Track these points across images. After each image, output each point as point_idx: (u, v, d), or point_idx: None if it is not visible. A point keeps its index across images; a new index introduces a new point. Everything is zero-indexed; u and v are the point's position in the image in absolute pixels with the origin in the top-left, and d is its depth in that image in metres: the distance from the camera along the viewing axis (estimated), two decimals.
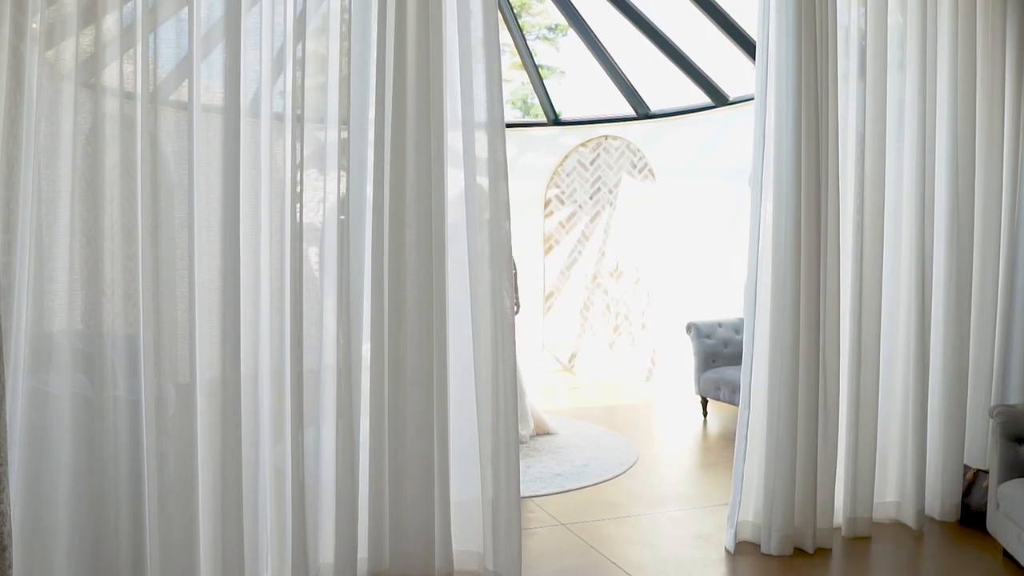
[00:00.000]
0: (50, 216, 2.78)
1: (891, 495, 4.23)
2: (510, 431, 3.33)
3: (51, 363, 2.79)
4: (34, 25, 2.71)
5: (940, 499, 4.25)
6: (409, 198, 3.26)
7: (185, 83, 2.90)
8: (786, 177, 3.76)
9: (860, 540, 3.99)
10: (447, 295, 3.32)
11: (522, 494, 4.63)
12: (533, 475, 5.06)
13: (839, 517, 4.03)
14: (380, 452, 3.28)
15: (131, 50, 2.83)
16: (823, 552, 3.85)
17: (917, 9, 4.06)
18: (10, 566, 2.44)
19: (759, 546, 3.85)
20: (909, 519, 4.11)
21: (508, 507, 3.34)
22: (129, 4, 2.84)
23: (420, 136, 3.24)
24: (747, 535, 3.92)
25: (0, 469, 2.41)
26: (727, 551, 3.87)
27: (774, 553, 3.78)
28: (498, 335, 3.31)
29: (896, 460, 4.20)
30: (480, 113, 3.27)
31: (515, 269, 5.77)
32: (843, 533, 4.00)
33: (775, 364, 3.80)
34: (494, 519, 3.35)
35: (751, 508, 3.90)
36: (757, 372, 3.85)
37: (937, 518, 4.26)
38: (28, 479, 2.76)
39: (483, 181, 3.32)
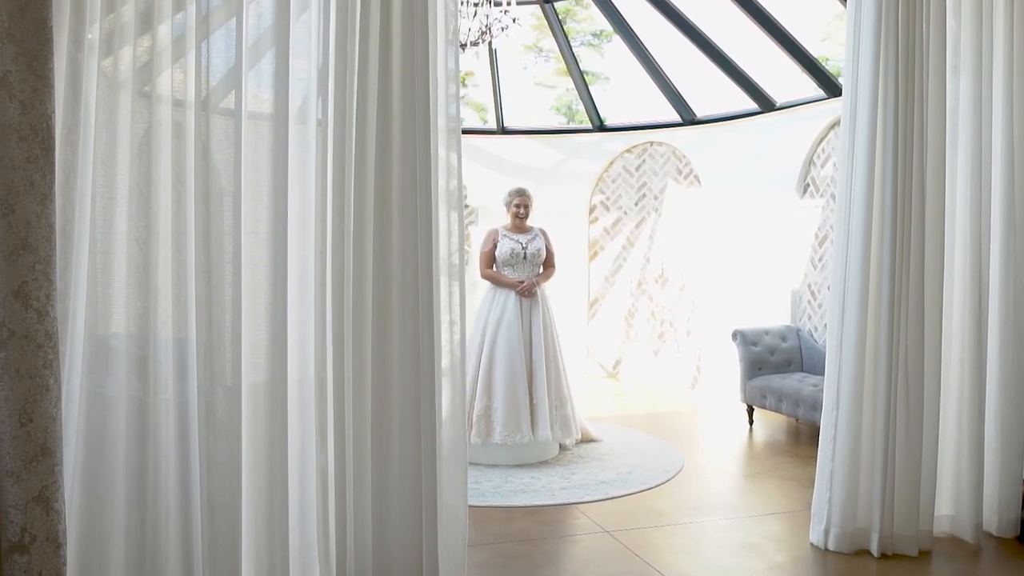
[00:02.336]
0: (106, 222, 2.85)
1: (946, 508, 4.12)
2: (455, 432, 3.30)
3: (106, 366, 2.86)
4: (90, 35, 2.78)
5: (997, 513, 4.13)
6: (395, 200, 3.21)
7: (238, 89, 2.94)
8: (865, 184, 3.81)
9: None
10: (435, 296, 3.25)
11: (567, 500, 4.68)
12: (577, 482, 5.04)
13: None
14: (363, 463, 3.22)
15: (182, 59, 2.89)
16: (894, 558, 3.84)
17: (971, 13, 3.97)
18: (64, 563, 2.50)
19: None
20: (966, 533, 4.01)
21: (452, 513, 3.30)
22: (180, 14, 2.90)
23: (405, 140, 3.20)
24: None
25: (56, 469, 2.47)
26: (812, 545, 3.97)
27: (831, 549, 3.89)
28: (445, 343, 3.28)
29: (951, 472, 4.10)
30: (440, 119, 3.26)
31: (545, 237, 5.84)
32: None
33: (848, 367, 3.86)
34: (439, 527, 3.26)
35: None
36: (843, 374, 3.89)
37: (994, 533, 4.13)
38: (86, 478, 2.82)
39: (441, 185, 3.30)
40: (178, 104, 2.90)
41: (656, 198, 8.84)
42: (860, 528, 3.90)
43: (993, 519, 4.14)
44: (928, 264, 3.87)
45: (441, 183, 3.28)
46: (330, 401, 3.13)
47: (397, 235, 3.21)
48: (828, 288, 6.85)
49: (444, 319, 3.30)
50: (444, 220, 3.29)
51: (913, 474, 3.84)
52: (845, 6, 3.91)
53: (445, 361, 3.31)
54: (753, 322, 7.21)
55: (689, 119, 8.42)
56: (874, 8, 3.77)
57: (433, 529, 3.24)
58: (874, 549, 3.84)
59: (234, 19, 2.91)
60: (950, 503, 4.11)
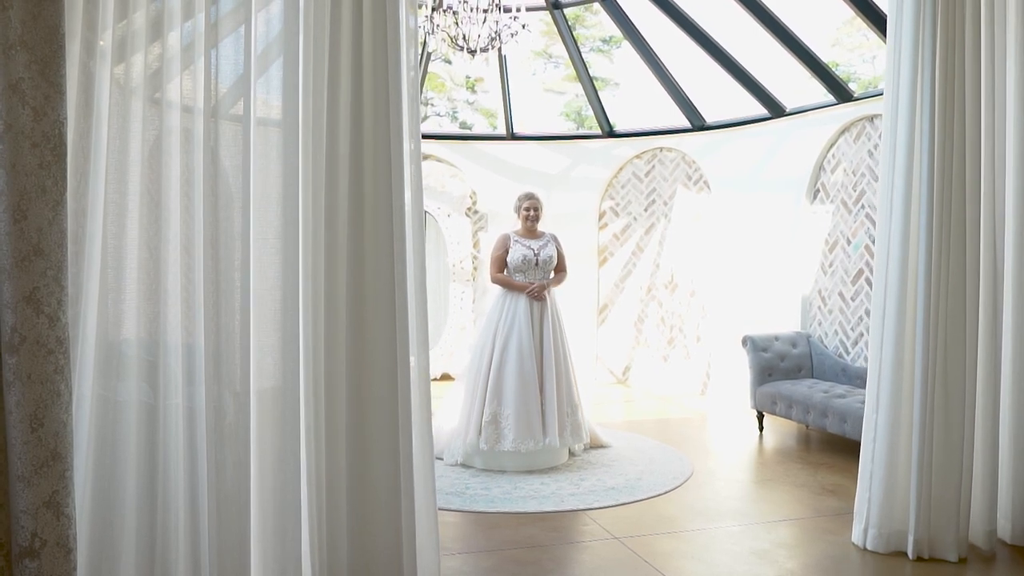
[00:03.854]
0: (117, 227, 2.86)
1: None
2: (422, 436, 3.29)
3: (117, 371, 2.87)
4: (101, 42, 2.79)
5: (1011, 521, 4.10)
6: (367, 207, 3.19)
7: (246, 96, 2.95)
8: (904, 191, 3.87)
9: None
10: (407, 300, 3.23)
11: (576, 507, 4.67)
12: (586, 488, 5.03)
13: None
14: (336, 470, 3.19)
15: (192, 66, 2.90)
16: (930, 561, 3.85)
17: (985, 15, 3.96)
18: (74, 568, 2.51)
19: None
20: (979, 539, 3.98)
21: (426, 519, 3.28)
22: (189, 22, 2.91)
23: (379, 147, 3.18)
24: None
25: (66, 474, 2.48)
26: (854, 544, 4.04)
27: (869, 548, 3.96)
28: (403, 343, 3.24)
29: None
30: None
31: (557, 242, 5.84)
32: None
33: (887, 370, 3.92)
34: (406, 532, 3.22)
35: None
36: (883, 377, 3.94)
37: (1008, 541, 4.10)
38: (96, 483, 2.83)
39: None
40: (188, 110, 2.91)
41: (666, 204, 8.83)
42: (897, 530, 3.94)
43: (1007, 526, 4.11)
44: (969, 267, 3.87)
45: (407, 196, 3.26)
46: (313, 405, 3.12)
47: (370, 240, 3.18)
48: (838, 294, 6.86)
49: (412, 321, 3.28)
50: (411, 228, 3.27)
51: (952, 478, 3.84)
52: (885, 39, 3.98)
53: (413, 362, 3.30)
54: (763, 328, 7.19)
55: (699, 125, 8.42)
56: (913, 17, 3.82)
57: (412, 531, 3.21)
58: (909, 551, 3.86)
59: (243, 26, 2.92)
60: None
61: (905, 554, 3.89)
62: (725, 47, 7.47)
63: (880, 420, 3.93)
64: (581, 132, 10.64)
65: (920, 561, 3.84)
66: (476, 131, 11.65)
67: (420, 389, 3.32)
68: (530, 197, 5.81)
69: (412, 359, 3.28)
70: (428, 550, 3.34)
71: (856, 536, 4.05)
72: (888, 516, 3.93)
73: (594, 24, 11.25)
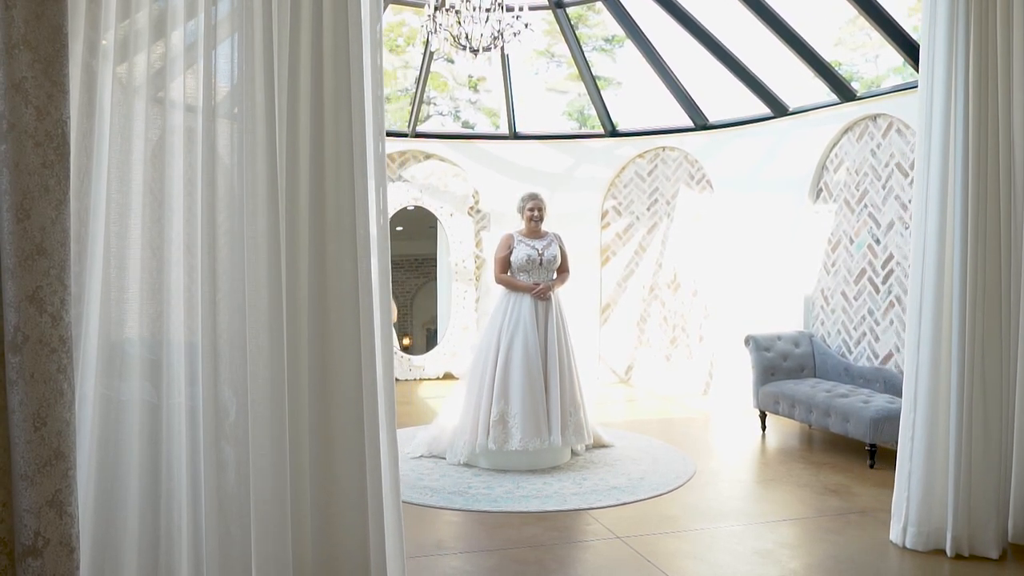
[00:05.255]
0: (120, 227, 2.86)
1: None
2: (388, 436, 3.25)
3: (120, 370, 2.87)
4: (104, 42, 2.79)
5: (1013, 519, 4.08)
6: (329, 207, 3.13)
7: (243, 97, 2.94)
8: (939, 188, 3.89)
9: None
10: (372, 301, 3.19)
11: (579, 506, 4.67)
12: (589, 487, 5.03)
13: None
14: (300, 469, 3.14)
15: (194, 66, 2.90)
16: (970, 559, 3.86)
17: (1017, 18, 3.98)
18: (77, 567, 2.51)
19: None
20: None
21: (392, 520, 3.24)
22: (192, 21, 2.91)
23: (341, 148, 3.12)
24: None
25: (69, 473, 2.49)
26: (892, 542, 4.06)
27: (908, 547, 3.98)
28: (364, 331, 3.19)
29: None
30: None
31: (560, 242, 5.86)
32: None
33: (924, 368, 3.93)
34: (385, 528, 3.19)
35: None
36: (920, 375, 3.96)
37: (1009, 540, 4.08)
38: (99, 482, 2.83)
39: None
40: (191, 110, 2.91)
41: (668, 203, 8.82)
42: (936, 528, 3.95)
43: (1010, 526, 4.10)
44: (1003, 265, 3.89)
45: (371, 197, 3.21)
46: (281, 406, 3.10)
47: (332, 243, 3.14)
48: (841, 293, 6.85)
49: (376, 322, 3.26)
50: (375, 231, 3.22)
51: (991, 475, 3.86)
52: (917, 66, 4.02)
53: (379, 362, 3.27)
54: (765, 328, 7.18)
55: (701, 124, 8.41)
56: (946, 20, 3.84)
57: (380, 532, 3.17)
58: (948, 549, 3.87)
59: (241, 28, 2.92)
60: None
61: (944, 552, 3.89)
62: (728, 46, 7.46)
63: (918, 419, 3.93)
64: (584, 131, 10.64)
65: (959, 559, 3.85)
66: (478, 130, 11.66)
67: (385, 389, 3.30)
68: (534, 197, 5.81)
69: (377, 358, 3.24)
70: (394, 551, 3.32)
71: (895, 535, 4.05)
72: (927, 514, 3.94)
73: (597, 23, 11.25)
